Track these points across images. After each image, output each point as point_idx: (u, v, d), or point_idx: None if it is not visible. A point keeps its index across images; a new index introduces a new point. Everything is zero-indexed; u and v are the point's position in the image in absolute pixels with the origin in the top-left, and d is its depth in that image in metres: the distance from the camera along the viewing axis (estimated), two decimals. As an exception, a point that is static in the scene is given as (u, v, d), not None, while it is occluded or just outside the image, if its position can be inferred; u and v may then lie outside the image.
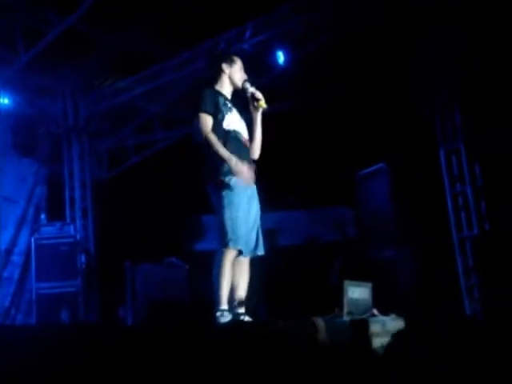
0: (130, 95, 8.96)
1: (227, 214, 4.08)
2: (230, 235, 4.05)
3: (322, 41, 7.91)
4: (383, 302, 4.25)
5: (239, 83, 4.37)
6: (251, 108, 4.37)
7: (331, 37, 7.81)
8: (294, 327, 3.50)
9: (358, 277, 4.41)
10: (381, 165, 8.12)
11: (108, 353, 3.55)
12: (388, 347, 3.47)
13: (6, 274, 8.56)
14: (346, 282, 3.93)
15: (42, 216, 8.73)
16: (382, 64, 7.71)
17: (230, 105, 4.32)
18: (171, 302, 7.12)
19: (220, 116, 4.21)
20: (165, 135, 9.86)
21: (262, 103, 4.31)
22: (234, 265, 4.15)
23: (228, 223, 4.06)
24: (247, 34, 7.85)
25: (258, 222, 4.29)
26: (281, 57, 8.17)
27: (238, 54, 4.64)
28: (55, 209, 9.15)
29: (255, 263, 4.33)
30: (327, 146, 8.75)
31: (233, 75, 4.39)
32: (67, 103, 9.36)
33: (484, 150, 7.19)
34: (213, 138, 4.12)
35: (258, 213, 4.31)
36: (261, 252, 4.26)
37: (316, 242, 8.68)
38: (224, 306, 4.03)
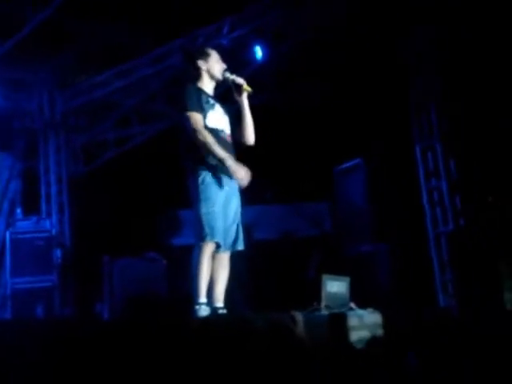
0: (106, 90, 8.91)
1: (203, 208, 4.10)
2: (206, 229, 4.08)
3: (299, 36, 7.95)
4: (360, 297, 4.29)
5: (219, 75, 4.38)
6: (236, 96, 4.37)
7: (309, 31, 7.85)
8: (272, 321, 3.52)
9: (335, 271, 4.45)
10: (357, 160, 8.17)
11: (83, 347, 3.54)
12: (368, 342, 3.51)
13: (-20, 269, 8.49)
14: (324, 276, 3.96)
15: (18, 210, 8.64)
16: (361, 59, 7.76)
17: (212, 101, 4.33)
18: (149, 297, 7.09)
19: (202, 114, 4.22)
20: (142, 129, 9.82)
21: (246, 87, 4.32)
22: (213, 259, 4.17)
23: (204, 217, 4.09)
24: (225, 29, 7.88)
25: (239, 217, 4.32)
26: (259, 51, 8.19)
27: (211, 47, 4.64)
28: (31, 203, 9.06)
29: (234, 258, 4.36)
30: (305, 141, 8.79)
31: (211, 69, 4.39)
32: (43, 98, 9.26)
33: (459, 145, 7.27)
34: (208, 137, 4.13)
35: (239, 209, 4.34)
36: (240, 247, 4.30)
37: (293, 236, 8.70)
38: (202, 299, 4.05)
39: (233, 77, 4.36)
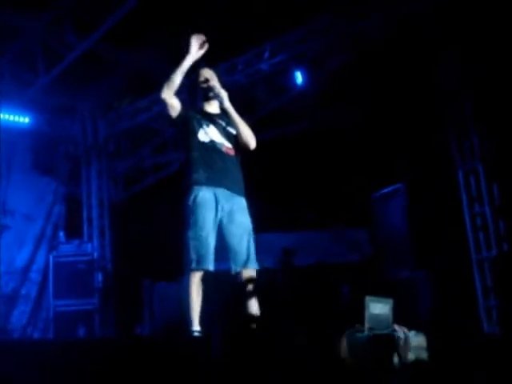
0: (147, 115, 9.05)
1: (191, 233, 4.02)
2: (192, 255, 3.98)
3: (338, 61, 7.99)
4: (402, 321, 4.23)
5: (209, 94, 4.31)
6: (219, 104, 4.31)
7: (347, 57, 7.89)
8: (316, 342, 3.50)
9: (376, 295, 4.39)
10: (399, 185, 8.11)
11: (124, 367, 3.56)
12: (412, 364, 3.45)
13: (23, 292, 8.61)
14: (367, 298, 3.91)
15: (61, 234, 8.79)
16: (400, 84, 7.75)
17: (213, 119, 4.30)
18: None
19: (196, 127, 4.22)
20: (178, 156, 9.92)
21: (218, 92, 4.26)
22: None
23: (191, 243, 4.01)
24: (265, 54, 7.94)
25: (249, 235, 4.16)
26: (299, 77, 8.23)
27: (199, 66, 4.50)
28: (73, 227, 9.21)
29: (274, 281, 4.30)
30: (344, 167, 8.78)
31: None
32: (86, 123, 9.48)
33: (502, 170, 7.17)
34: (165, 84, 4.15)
35: (248, 225, 4.19)
36: (253, 266, 4.11)
37: (332, 261, 8.65)
38: (195, 327, 3.95)
39: (216, 92, 4.28)
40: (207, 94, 4.31)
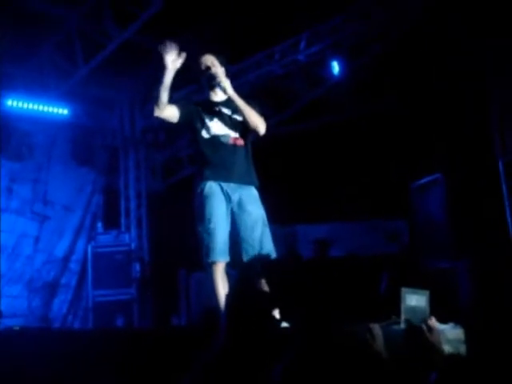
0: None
1: (200, 226, 4.04)
2: (204, 249, 4.01)
3: (376, 50, 7.88)
4: (440, 312, 4.17)
5: (212, 82, 4.25)
6: (222, 92, 4.24)
7: (385, 46, 7.77)
8: (350, 334, 3.46)
9: (414, 287, 4.33)
10: (437, 175, 8.00)
11: (160, 356, 3.58)
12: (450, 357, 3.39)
13: (63, 281, 8.74)
14: (403, 290, 3.86)
15: (99, 224, 8.89)
16: (439, 72, 7.61)
17: (217, 108, 4.24)
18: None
19: (199, 125, 4.18)
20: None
21: (219, 80, 4.19)
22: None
23: (201, 236, 4.03)
24: (302, 44, 7.87)
25: (263, 223, 4.14)
26: (336, 67, 8.15)
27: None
28: (111, 218, 9.30)
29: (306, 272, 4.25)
30: (382, 157, 8.69)
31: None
32: (124, 114, 9.55)
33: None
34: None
35: (260, 214, 4.17)
36: (266, 255, 4.10)
37: (369, 252, 8.59)
38: None
39: (218, 80, 4.20)
40: (210, 82, 4.24)
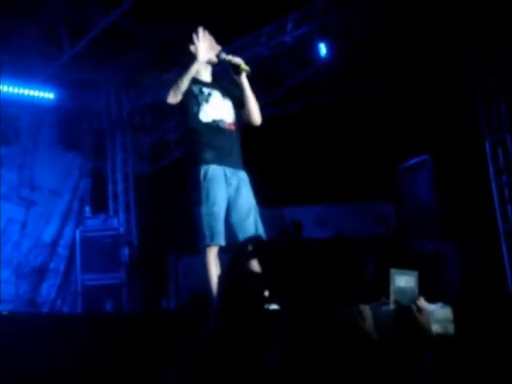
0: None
1: (204, 209, 3.99)
2: (206, 232, 3.97)
3: (363, 32, 7.84)
4: (428, 293, 4.20)
5: (214, 58, 4.19)
6: (234, 76, 4.19)
7: (372, 28, 7.74)
8: (339, 314, 3.48)
9: (401, 268, 4.36)
10: (424, 157, 8.03)
11: (149, 339, 3.59)
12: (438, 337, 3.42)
13: (52, 266, 8.73)
14: (392, 270, 3.87)
15: (87, 209, 8.86)
16: (426, 55, 7.61)
17: (207, 90, 4.18)
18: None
19: (196, 108, 4.11)
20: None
21: (243, 67, 4.13)
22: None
23: (204, 219, 3.98)
24: (288, 26, 7.82)
25: (254, 209, 4.15)
26: (322, 49, 8.12)
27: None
28: (99, 202, 9.27)
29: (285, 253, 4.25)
30: (369, 139, 8.70)
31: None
32: (111, 97, 9.48)
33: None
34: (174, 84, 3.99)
35: (252, 200, 4.18)
36: (260, 236, 4.03)
37: (356, 235, 8.63)
38: None
39: (229, 57, 4.15)
40: (235, 69, 4.16)
